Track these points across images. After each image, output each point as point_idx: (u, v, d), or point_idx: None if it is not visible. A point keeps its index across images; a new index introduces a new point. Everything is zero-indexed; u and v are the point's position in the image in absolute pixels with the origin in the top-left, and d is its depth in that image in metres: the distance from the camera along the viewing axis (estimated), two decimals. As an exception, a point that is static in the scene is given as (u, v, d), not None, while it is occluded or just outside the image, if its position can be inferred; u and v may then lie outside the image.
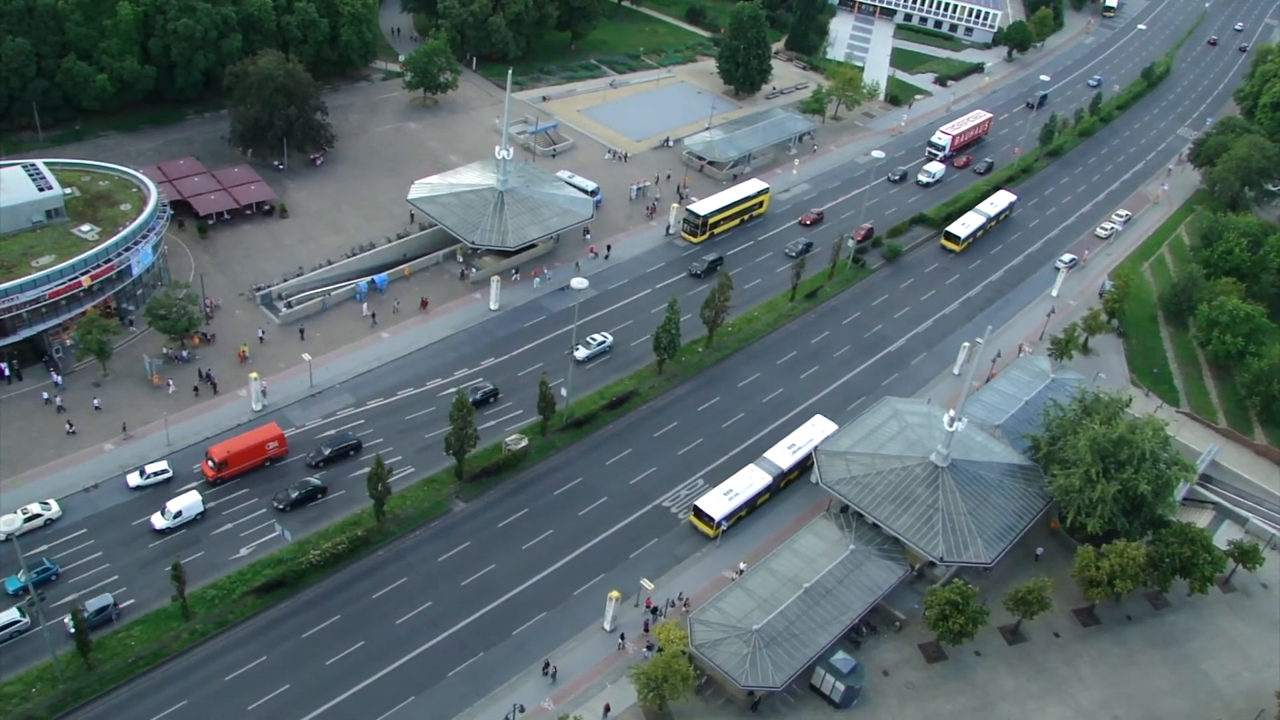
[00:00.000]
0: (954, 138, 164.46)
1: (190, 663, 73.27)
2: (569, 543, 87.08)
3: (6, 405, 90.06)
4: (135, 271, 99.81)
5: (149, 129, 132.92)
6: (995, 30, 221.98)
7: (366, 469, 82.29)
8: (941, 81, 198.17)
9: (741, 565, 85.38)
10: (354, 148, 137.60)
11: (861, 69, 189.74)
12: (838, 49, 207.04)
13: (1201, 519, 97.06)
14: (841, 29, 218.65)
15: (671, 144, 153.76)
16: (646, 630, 79.40)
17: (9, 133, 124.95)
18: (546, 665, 75.72)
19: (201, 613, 75.80)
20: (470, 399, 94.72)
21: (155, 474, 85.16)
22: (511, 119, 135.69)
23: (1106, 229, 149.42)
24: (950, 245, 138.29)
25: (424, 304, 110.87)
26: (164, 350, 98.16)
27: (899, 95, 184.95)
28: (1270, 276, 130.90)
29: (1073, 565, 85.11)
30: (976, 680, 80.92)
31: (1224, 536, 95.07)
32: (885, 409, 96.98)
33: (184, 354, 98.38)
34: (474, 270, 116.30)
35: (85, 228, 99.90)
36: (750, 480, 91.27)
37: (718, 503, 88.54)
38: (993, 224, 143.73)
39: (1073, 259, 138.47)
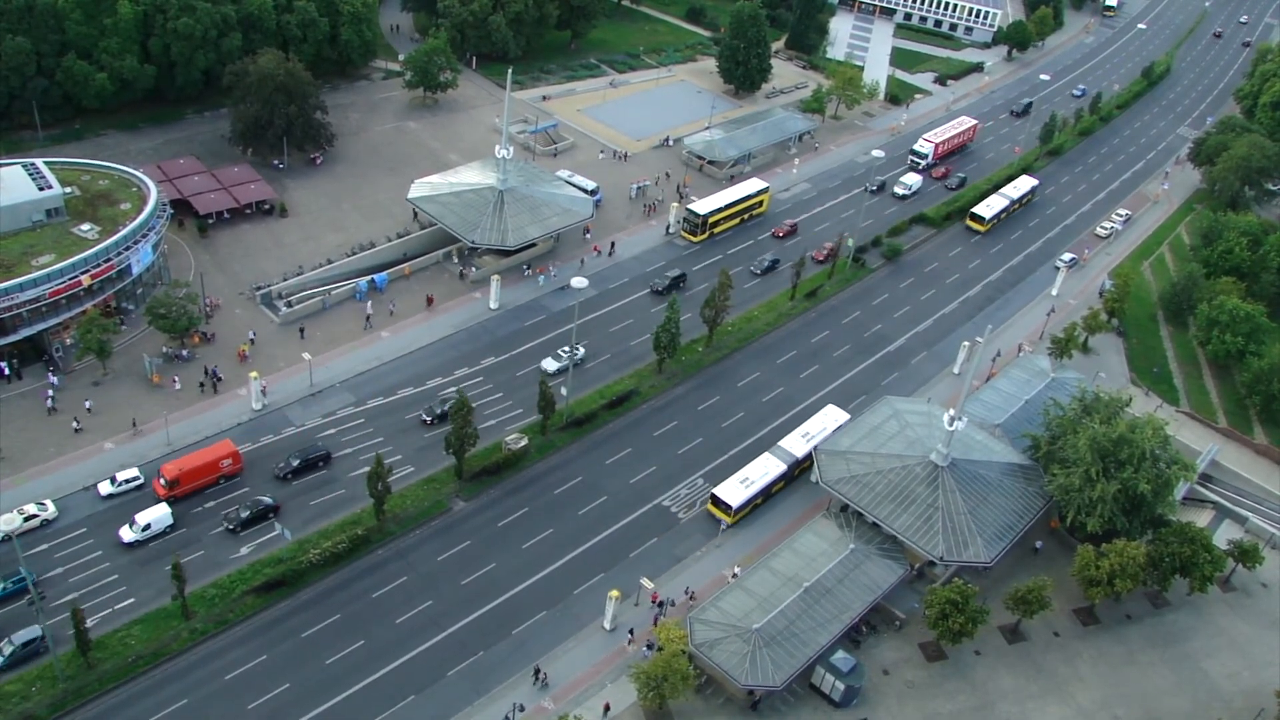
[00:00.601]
0: (937, 145, 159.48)
1: (190, 662, 73.26)
2: (569, 542, 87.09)
3: (6, 404, 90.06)
4: (135, 271, 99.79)
5: (149, 128, 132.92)
6: (995, 30, 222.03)
7: (366, 468, 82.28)
8: (941, 81, 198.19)
9: (735, 570, 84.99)
10: (354, 147, 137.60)
11: (861, 68, 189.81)
12: (838, 48, 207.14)
13: (1201, 518, 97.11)
14: (841, 28, 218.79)
15: (671, 143, 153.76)
16: (656, 624, 79.29)
17: (9, 131, 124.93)
18: (537, 671, 75.12)
19: (201, 612, 75.80)
20: (438, 410, 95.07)
21: (126, 481, 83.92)
22: (511, 118, 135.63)
23: (1106, 228, 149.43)
24: (975, 226, 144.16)
25: (429, 301, 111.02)
26: (164, 349, 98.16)
27: (899, 94, 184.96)
28: (1270, 276, 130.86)
29: (1072, 564, 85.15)
30: (976, 679, 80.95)
31: (1224, 536, 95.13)
32: (885, 408, 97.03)
33: (184, 353, 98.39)
34: (473, 269, 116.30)
35: (85, 227, 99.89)
36: (766, 468, 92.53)
37: (734, 490, 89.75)
38: (1016, 207, 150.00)
39: (1072, 258, 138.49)
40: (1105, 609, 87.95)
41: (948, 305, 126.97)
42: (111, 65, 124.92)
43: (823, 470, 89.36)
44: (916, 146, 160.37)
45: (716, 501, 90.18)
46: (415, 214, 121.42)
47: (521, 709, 72.82)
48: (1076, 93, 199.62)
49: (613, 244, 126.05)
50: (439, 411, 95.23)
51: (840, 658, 76.93)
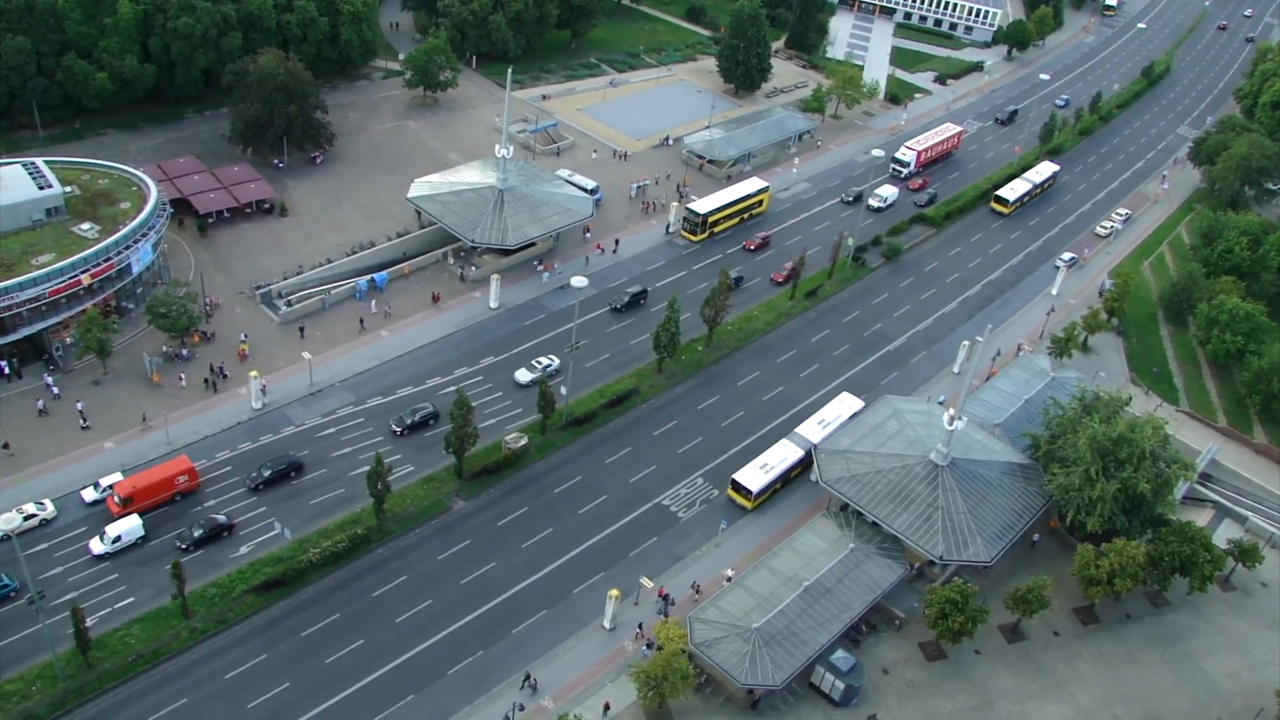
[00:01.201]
0: (919, 153, 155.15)
1: (190, 661, 73.27)
2: (569, 541, 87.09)
3: (7, 404, 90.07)
4: (135, 270, 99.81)
5: (149, 127, 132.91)
6: (995, 29, 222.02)
7: (365, 468, 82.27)
8: (941, 80, 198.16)
9: (729, 573, 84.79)
10: (354, 146, 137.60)
11: (861, 68, 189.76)
12: (838, 48, 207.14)
13: (1201, 518, 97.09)
14: (841, 27, 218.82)
15: (671, 142, 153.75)
16: (667, 618, 79.31)
17: (9, 131, 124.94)
18: (527, 677, 74.70)
19: (201, 611, 75.81)
20: (408, 420, 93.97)
21: (109, 488, 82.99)
22: (511, 118, 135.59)
23: (1106, 227, 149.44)
24: (999, 208, 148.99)
25: (435, 298, 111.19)
26: (164, 348, 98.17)
27: (899, 94, 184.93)
28: (1270, 275, 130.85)
29: (1072, 564, 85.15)
30: (976, 679, 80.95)
31: (1223, 535, 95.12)
32: (885, 408, 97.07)
33: (184, 352, 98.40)
34: (473, 269, 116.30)
35: (85, 226, 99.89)
36: (784, 454, 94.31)
37: (754, 476, 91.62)
38: (1038, 191, 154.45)
39: (1072, 258, 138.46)
40: (1105, 608, 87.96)
41: (948, 304, 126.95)
42: (111, 65, 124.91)
43: (822, 469, 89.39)
44: (898, 154, 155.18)
45: (736, 487, 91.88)
46: (419, 214, 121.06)
47: (521, 708, 72.83)
48: (1059, 103, 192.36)
49: (617, 241, 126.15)
50: (409, 421, 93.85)
51: (840, 657, 76.92)
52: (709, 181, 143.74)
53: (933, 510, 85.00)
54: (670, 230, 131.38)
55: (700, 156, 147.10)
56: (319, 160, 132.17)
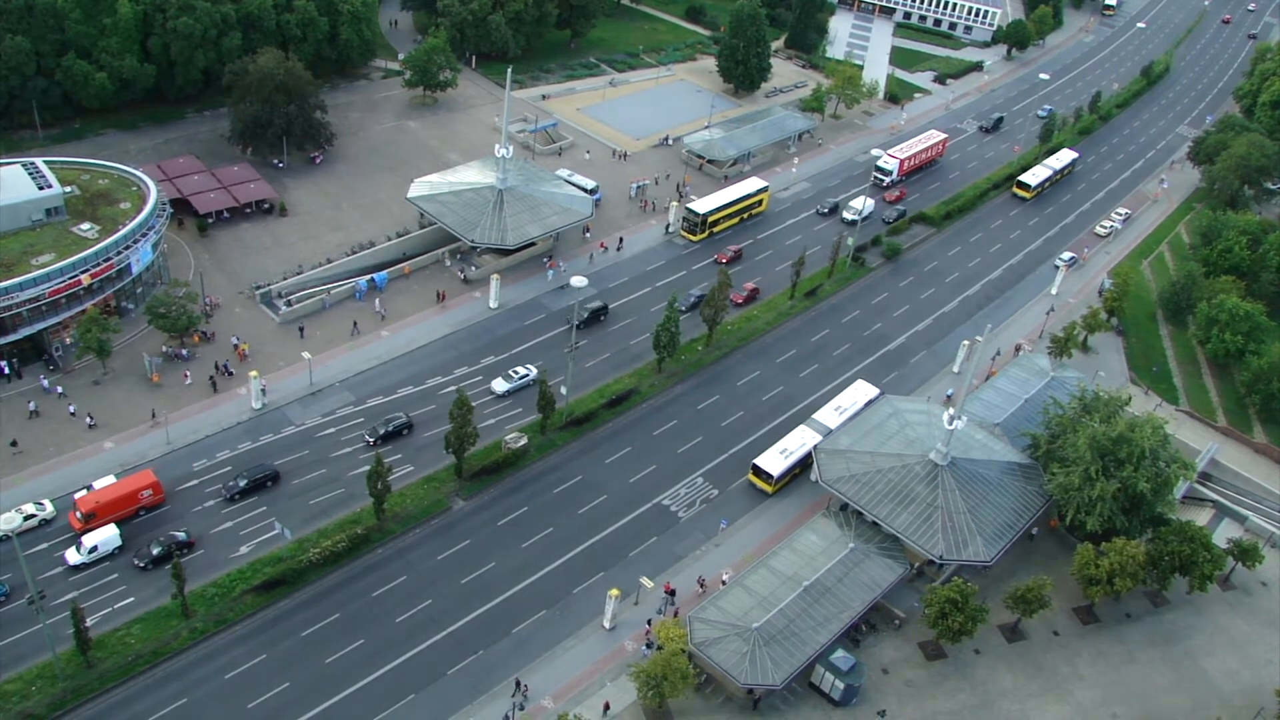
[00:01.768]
0: (902, 161, 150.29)
1: (190, 661, 73.27)
2: (568, 541, 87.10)
3: (6, 403, 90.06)
4: (135, 270, 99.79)
5: (148, 127, 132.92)
6: (994, 29, 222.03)
7: (365, 467, 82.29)
8: (941, 80, 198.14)
9: (724, 576, 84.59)
10: (353, 146, 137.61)
11: (861, 67, 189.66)
12: (837, 47, 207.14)
13: (1201, 517, 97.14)
14: (841, 27, 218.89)
15: (671, 142, 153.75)
16: (676, 615, 79.13)
17: (9, 131, 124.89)
18: (518, 684, 74.36)
19: (201, 611, 75.83)
20: (381, 431, 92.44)
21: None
22: (511, 117, 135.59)
23: (1106, 227, 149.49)
24: (1022, 193, 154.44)
25: (441, 296, 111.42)
26: (164, 348, 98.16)
27: (898, 93, 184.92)
28: (1270, 275, 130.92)
29: (1072, 563, 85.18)
30: (976, 678, 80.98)
31: (1223, 535, 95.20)
32: (885, 407, 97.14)
33: (184, 352, 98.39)
34: (472, 268, 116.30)
35: (85, 226, 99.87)
36: (803, 439, 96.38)
37: (775, 460, 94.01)
38: (1058, 177, 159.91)
39: (1072, 257, 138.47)
40: (1105, 608, 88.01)
41: (947, 304, 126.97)
42: (111, 65, 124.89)
43: (822, 469, 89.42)
44: (880, 162, 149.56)
45: (758, 471, 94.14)
46: (421, 216, 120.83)
47: (521, 708, 72.87)
48: (1042, 113, 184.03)
49: (621, 239, 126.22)
50: (382, 432, 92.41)
51: (840, 656, 76.92)
52: (708, 181, 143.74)
53: (932, 510, 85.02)
54: (670, 230, 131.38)
55: (700, 156, 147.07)
56: (319, 160, 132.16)
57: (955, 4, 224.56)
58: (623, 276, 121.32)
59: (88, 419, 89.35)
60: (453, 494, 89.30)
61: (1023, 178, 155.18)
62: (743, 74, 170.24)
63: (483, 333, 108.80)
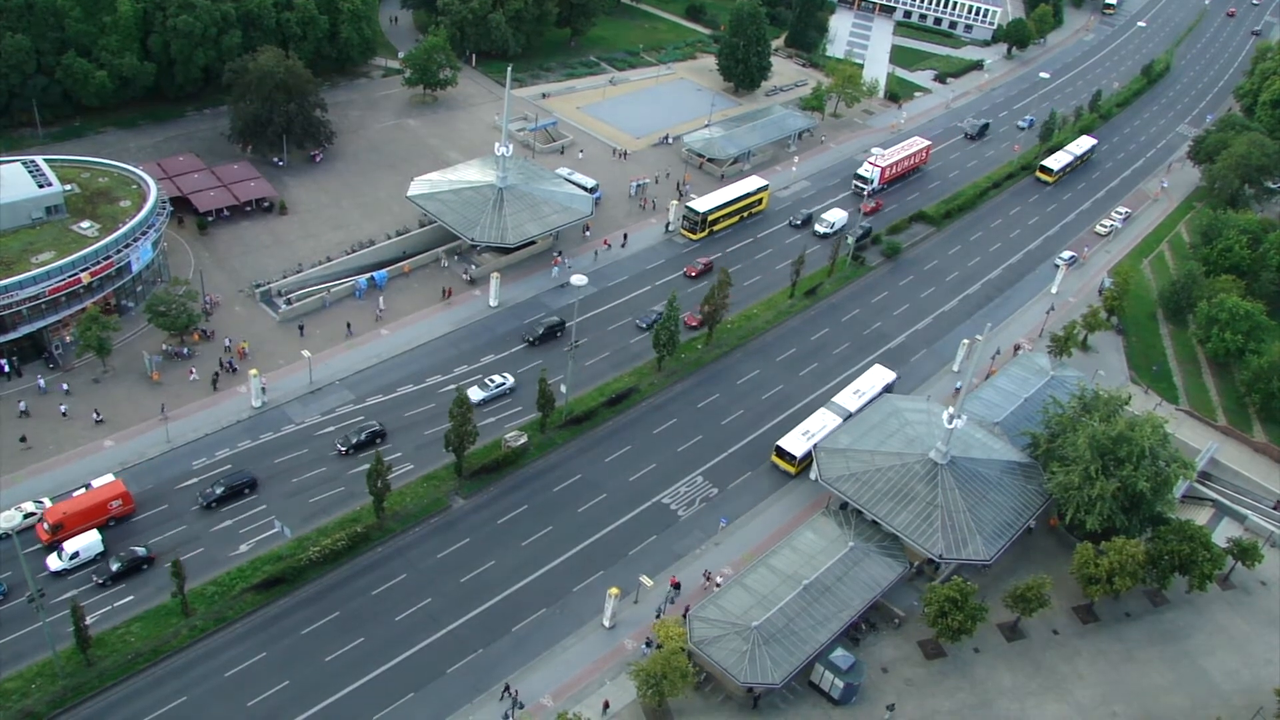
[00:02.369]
0: (883, 170, 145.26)
1: (190, 659, 73.27)
2: (568, 539, 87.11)
3: (6, 402, 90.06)
4: (135, 268, 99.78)
5: (148, 125, 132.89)
6: (995, 27, 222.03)
7: (365, 466, 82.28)
8: (941, 78, 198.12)
9: (719, 579, 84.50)
10: (353, 144, 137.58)
11: (861, 66, 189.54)
12: (837, 46, 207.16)
13: (1201, 516, 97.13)
14: (841, 26, 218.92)
15: (671, 141, 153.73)
16: (685, 613, 79.13)
17: (9, 129, 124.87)
18: (506, 689, 73.85)
19: (201, 609, 75.83)
20: (353, 440, 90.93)
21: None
22: (511, 116, 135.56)
23: (1106, 226, 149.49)
24: (1044, 177, 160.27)
25: (447, 293, 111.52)
26: (164, 347, 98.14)
27: (898, 92, 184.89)
28: (1270, 274, 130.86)
29: (1072, 562, 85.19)
30: (975, 677, 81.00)
31: (1223, 534, 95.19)
32: (885, 406, 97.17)
33: (184, 351, 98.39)
34: (472, 267, 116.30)
35: (85, 224, 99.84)
36: (824, 422, 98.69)
37: (797, 442, 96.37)
38: (1078, 162, 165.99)
39: (1072, 256, 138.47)
40: (1104, 607, 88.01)
41: (947, 303, 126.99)
42: (111, 63, 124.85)
43: (822, 468, 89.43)
44: (860, 170, 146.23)
45: (781, 453, 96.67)
46: (421, 214, 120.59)
47: (521, 706, 72.90)
48: (1023, 124, 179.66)
49: (625, 236, 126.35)
50: (354, 441, 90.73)
51: (839, 655, 76.93)
52: (708, 180, 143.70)
53: (932, 509, 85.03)
54: (670, 229, 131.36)
55: (700, 155, 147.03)
56: (318, 158, 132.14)
57: (955, 3, 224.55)
58: (623, 275, 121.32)
59: (94, 415, 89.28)
60: (452, 492, 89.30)
61: (1045, 162, 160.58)
62: (743, 73, 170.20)
63: (483, 331, 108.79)
